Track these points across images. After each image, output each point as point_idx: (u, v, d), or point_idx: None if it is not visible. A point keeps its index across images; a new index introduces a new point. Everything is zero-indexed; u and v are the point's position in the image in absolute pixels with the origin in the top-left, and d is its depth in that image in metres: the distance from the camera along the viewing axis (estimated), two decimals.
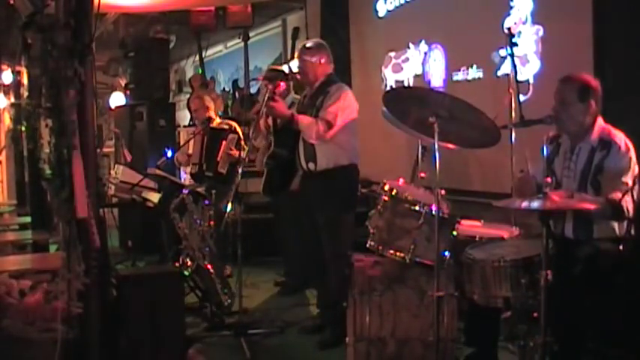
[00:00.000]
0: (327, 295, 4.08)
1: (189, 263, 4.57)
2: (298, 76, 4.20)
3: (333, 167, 3.97)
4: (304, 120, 3.94)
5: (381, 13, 6.41)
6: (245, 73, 8.36)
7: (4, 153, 10.47)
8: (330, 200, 3.96)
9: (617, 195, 2.93)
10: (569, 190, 3.02)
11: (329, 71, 4.11)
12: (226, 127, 5.75)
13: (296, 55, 4.27)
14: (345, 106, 3.97)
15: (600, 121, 3.17)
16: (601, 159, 3.07)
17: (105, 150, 9.41)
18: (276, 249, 5.86)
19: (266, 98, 3.96)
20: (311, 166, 4.01)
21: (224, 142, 5.49)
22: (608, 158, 3.05)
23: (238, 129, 5.73)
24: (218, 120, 5.99)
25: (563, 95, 3.14)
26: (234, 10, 7.77)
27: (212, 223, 4.69)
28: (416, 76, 5.94)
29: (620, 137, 3.10)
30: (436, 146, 2.96)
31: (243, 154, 4.45)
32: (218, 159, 5.47)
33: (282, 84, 4.31)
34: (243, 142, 5.58)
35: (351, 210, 4.08)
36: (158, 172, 5.52)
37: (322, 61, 4.08)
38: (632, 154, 3.06)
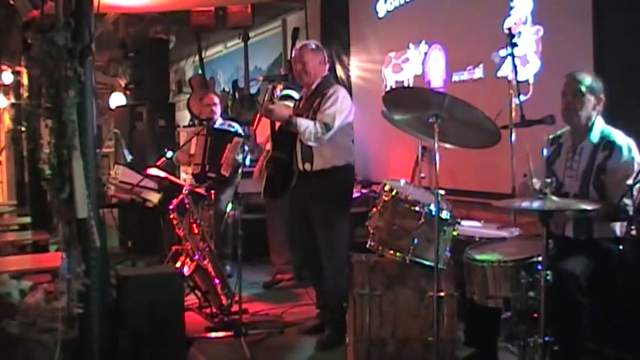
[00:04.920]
0: (326, 294, 4.09)
1: (189, 263, 4.57)
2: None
3: (329, 168, 3.98)
4: (302, 122, 3.94)
5: (381, 13, 6.40)
6: (245, 74, 8.34)
7: (4, 153, 10.50)
8: (326, 200, 3.96)
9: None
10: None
11: (325, 72, 4.12)
12: (230, 128, 5.76)
13: (293, 55, 4.24)
14: (343, 108, 3.98)
15: (601, 120, 3.18)
16: (603, 159, 3.08)
17: (105, 150, 9.40)
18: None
19: (266, 99, 3.97)
20: (307, 166, 4.02)
21: (228, 146, 5.49)
22: (611, 159, 3.06)
23: (240, 130, 5.73)
24: (220, 120, 5.99)
25: (578, 87, 3.13)
26: (234, 10, 7.75)
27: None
28: (416, 77, 5.93)
29: (622, 137, 3.10)
30: (436, 146, 2.96)
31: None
32: (222, 161, 5.47)
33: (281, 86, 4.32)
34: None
35: (346, 210, 4.09)
36: (158, 172, 5.51)
37: (321, 61, 4.08)
38: (635, 153, 3.06)
